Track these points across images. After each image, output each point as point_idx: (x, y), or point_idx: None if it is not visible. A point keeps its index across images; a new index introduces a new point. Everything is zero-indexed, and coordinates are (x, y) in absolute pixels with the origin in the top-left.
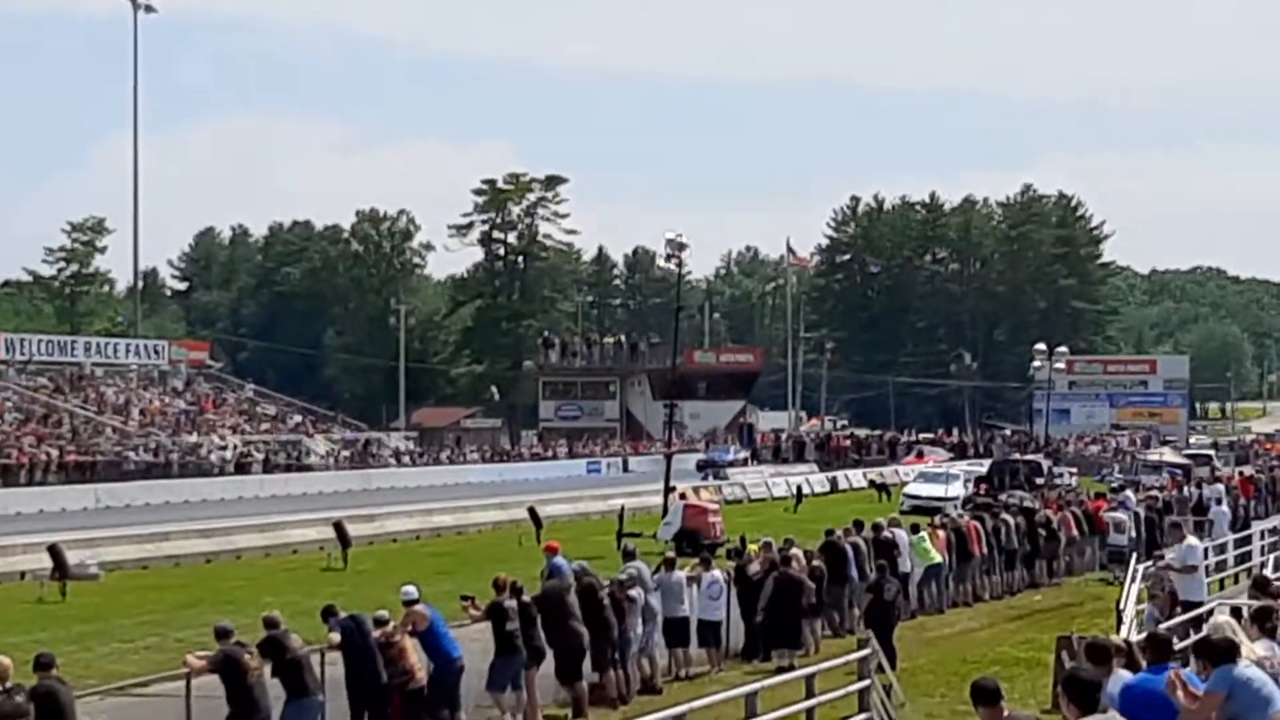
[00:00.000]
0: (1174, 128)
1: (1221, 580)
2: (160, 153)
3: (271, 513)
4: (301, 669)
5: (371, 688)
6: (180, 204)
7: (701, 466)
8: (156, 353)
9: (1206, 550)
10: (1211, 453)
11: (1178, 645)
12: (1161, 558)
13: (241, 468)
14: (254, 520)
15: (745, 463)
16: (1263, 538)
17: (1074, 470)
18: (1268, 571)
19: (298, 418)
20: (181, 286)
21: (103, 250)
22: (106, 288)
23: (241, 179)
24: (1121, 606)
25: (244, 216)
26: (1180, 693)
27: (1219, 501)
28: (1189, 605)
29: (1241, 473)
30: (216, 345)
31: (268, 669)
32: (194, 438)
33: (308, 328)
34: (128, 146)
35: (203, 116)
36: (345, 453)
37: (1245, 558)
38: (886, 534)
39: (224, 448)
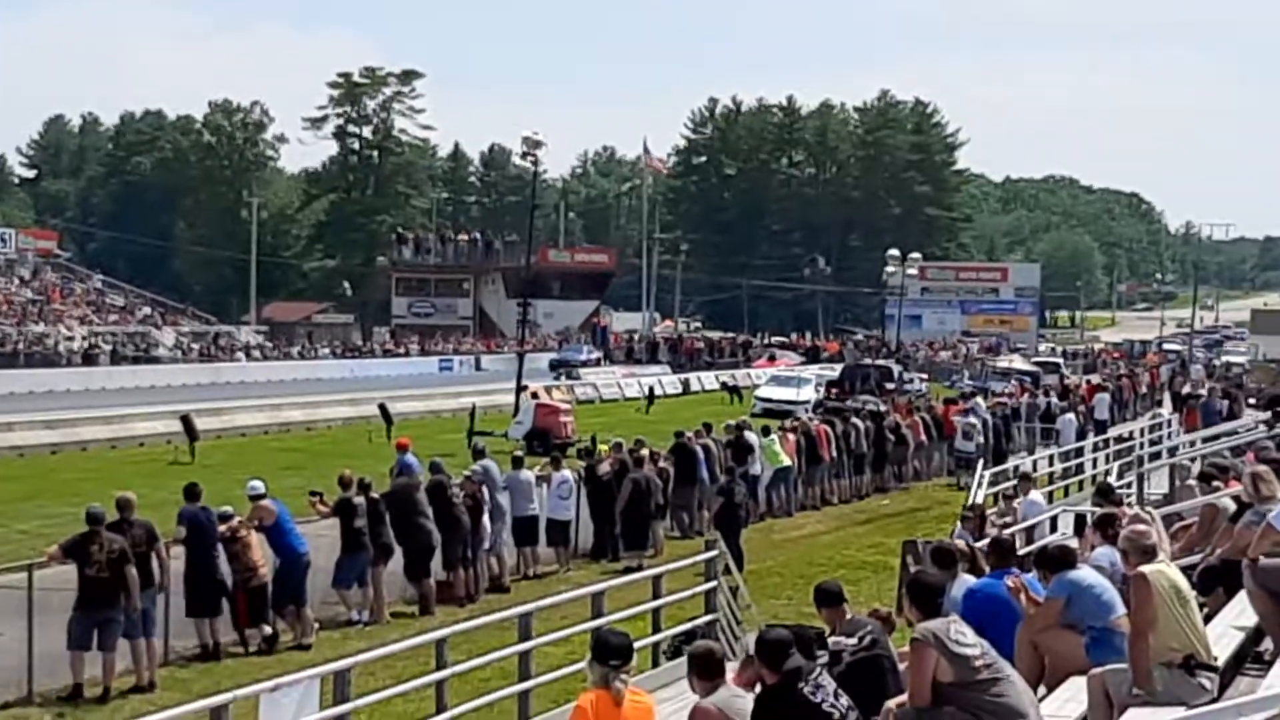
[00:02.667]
0: (1029, 33)
1: (1066, 488)
2: (7, 38)
3: (118, 405)
4: (136, 561)
5: (209, 582)
6: (29, 90)
7: (554, 366)
8: (3, 241)
9: (1053, 459)
10: (1060, 361)
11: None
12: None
13: (89, 359)
14: (100, 412)
15: (598, 363)
16: (1108, 445)
17: (924, 376)
18: (1112, 479)
19: (146, 309)
20: (30, 174)
21: None
22: None
23: (92, 66)
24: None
25: (95, 105)
26: (1022, 597)
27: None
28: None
29: (1090, 381)
30: (65, 235)
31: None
32: (41, 328)
33: (158, 219)
34: None
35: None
36: (194, 346)
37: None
38: (738, 436)
39: (71, 338)
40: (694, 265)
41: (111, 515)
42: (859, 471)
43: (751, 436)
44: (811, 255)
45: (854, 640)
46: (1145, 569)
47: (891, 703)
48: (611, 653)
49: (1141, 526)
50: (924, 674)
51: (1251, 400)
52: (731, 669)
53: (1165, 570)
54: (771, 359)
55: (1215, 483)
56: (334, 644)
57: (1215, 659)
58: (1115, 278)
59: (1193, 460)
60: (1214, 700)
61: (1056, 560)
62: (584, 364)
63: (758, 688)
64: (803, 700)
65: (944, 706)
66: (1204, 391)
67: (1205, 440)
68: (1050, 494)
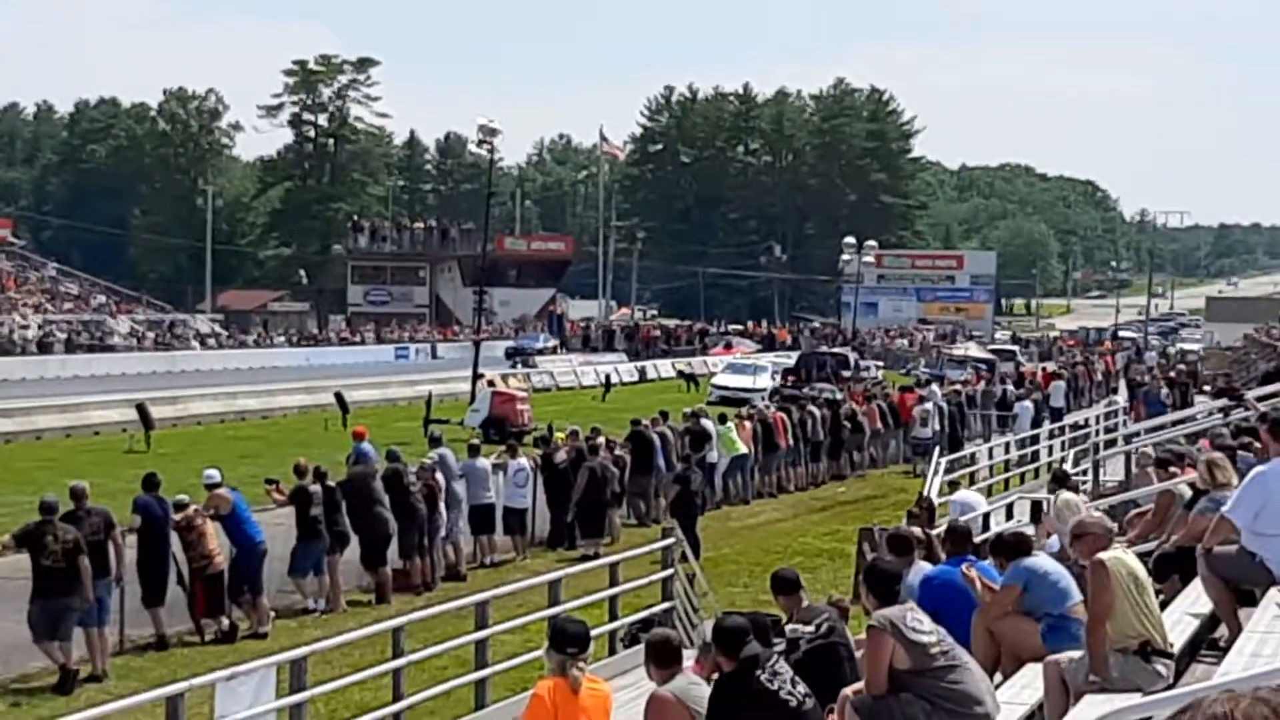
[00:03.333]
0: (984, 22)
1: (1023, 475)
2: None
3: (73, 393)
4: (92, 550)
5: (160, 572)
6: None
7: (510, 354)
8: None
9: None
10: (1016, 348)
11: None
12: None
13: (43, 347)
14: (56, 400)
15: (554, 351)
16: (1064, 432)
17: (880, 364)
18: (1068, 466)
19: (102, 298)
20: None
21: None
22: None
23: (47, 54)
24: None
25: (49, 93)
26: (978, 584)
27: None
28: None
29: (1045, 368)
30: (19, 223)
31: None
32: None
33: (113, 207)
34: None
35: None
36: (149, 334)
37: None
38: (694, 424)
39: (26, 327)
40: (650, 253)
41: (66, 505)
42: (815, 459)
43: (708, 424)
44: (767, 243)
45: (811, 628)
46: (1104, 555)
47: (848, 690)
48: (569, 641)
49: (1097, 514)
50: (880, 661)
51: (1206, 387)
52: (689, 657)
53: (1123, 557)
54: (728, 346)
55: (1172, 469)
56: (290, 632)
57: (1171, 645)
58: (1070, 265)
59: (1148, 448)
60: (1170, 686)
61: (1012, 547)
62: (540, 352)
63: (715, 675)
64: (760, 688)
65: (900, 694)
66: (1148, 380)
67: (1149, 430)
68: (1006, 481)
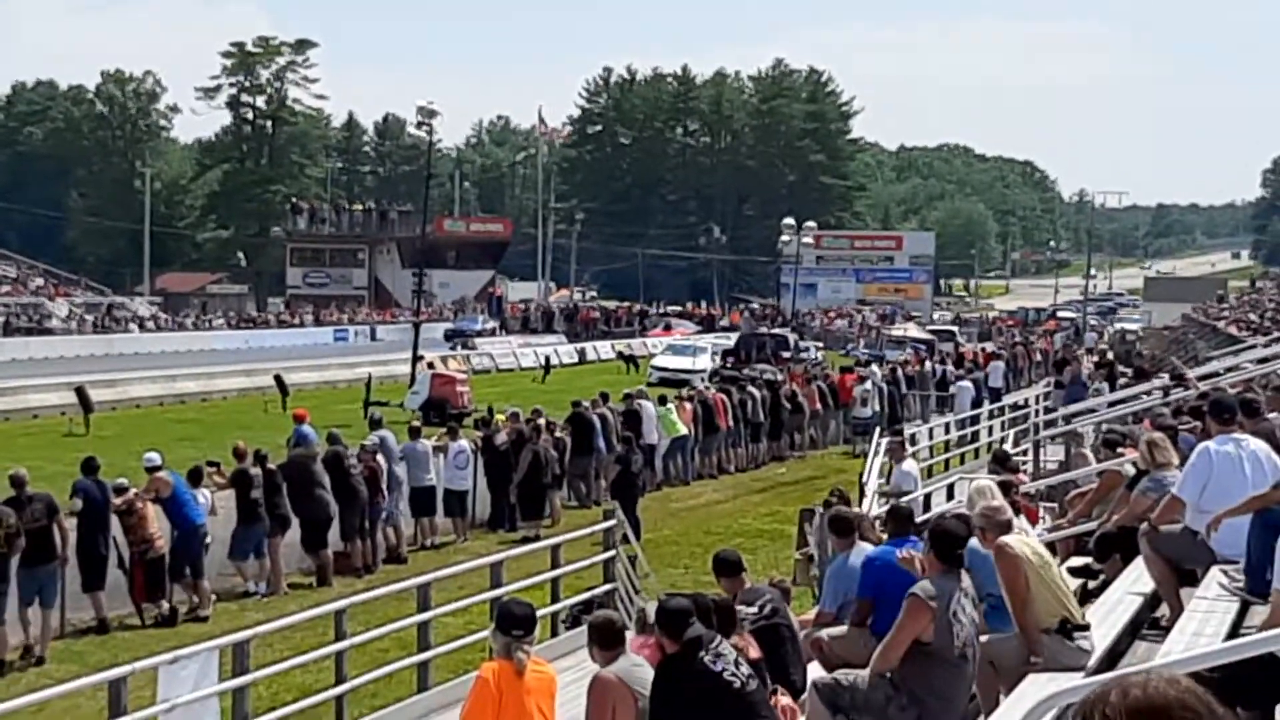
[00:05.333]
0: (923, 3)
1: (962, 455)
2: None
3: (11, 377)
4: (37, 536)
5: (100, 556)
6: None
7: (450, 336)
8: None
9: (950, 429)
10: (955, 329)
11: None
12: (900, 432)
13: None
14: None
15: (494, 333)
16: (1003, 413)
17: (820, 344)
18: (1008, 446)
19: (39, 280)
20: None
21: None
22: None
23: None
24: (864, 479)
25: None
26: (917, 565)
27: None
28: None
29: (984, 349)
30: None
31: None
32: None
33: (50, 189)
34: None
35: None
36: (88, 317)
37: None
38: (634, 405)
39: None
40: (589, 234)
41: (6, 493)
42: (755, 440)
43: (647, 405)
44: (707, 224)
45: (754, 609)
46: (1005, 539)
47: (824, 634)
48: (515, 623)
49: (996, 503)
50: (906, 636)
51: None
52: (630, 638)
53: (1025, 539)
54: (667, 328)
55: (1119, 450)
56: (231, 615)
57: (1085, 619)
58: (1009, 246)
59: (1086, 429)
60: (1108, 665)
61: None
62: (479, 334)
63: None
64: (703, 669)
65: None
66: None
67: (1088, 411)
68: (946, 461)
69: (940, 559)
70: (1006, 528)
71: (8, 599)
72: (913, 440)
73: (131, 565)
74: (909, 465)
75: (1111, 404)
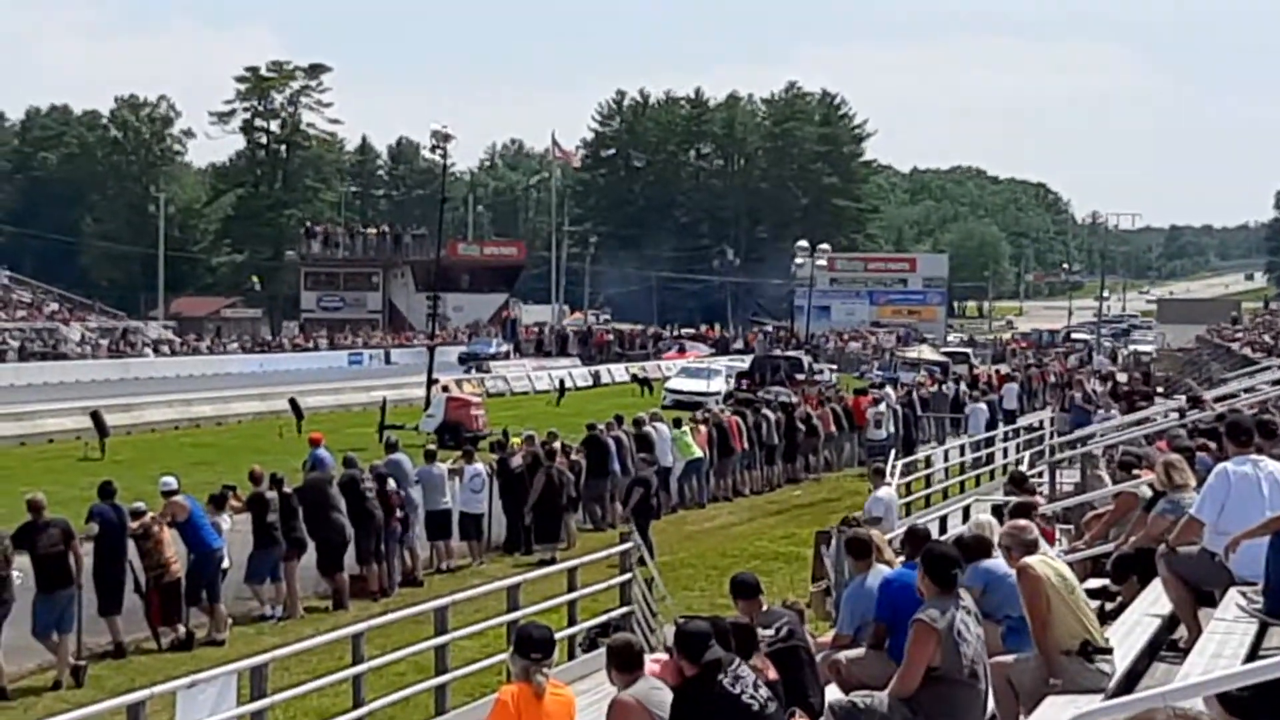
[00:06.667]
0: (936, 25)
1: (978, 477)
2: None
3: (27, 401)
4: (54, 561)
5: (117, 580)
6: None
7: (464, 359)
8: None
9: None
10: (969, 351)
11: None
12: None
13: None
14: (9, 409)
15: (508, 356)
16: (1017, 435)
17: (834, 367)
18: (1024, 468)
19: (54, 305)
20: None
21: None
22: None
23: None
24: None
25: None
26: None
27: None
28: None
29: (998, 371)
30: None
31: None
32: None
33: (65, 214)
34: None
35: None
36: (102, 341)
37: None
38: (648, 429)
39: None
40: (603, 257)
41: (23, 518)
42: (770, 462)
43: (662, 428)
44: (720, 247)
45: (771, 631)
46: (1028, 560)
47: (841, 656)
48: (533, 646)
49: (1021, 522)
50: (920, 662)
51: (1159, 389)
52: (649, 661)
53: (1048, 560)
54: (681, 350)
55: (1135, 471)
56: (248, 639)
57: (1108, 642)
58: (1022, 268)
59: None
60: (1126, 687)
61: (972, 549)
62: (493, 357)
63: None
64: (722, 692)
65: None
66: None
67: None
68: (962, 484)
69: (935, 583)
70: (1032, 548)
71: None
72: (927, 462)
73: (148, 589)
74: (884, 492)
75: (1118, 428)
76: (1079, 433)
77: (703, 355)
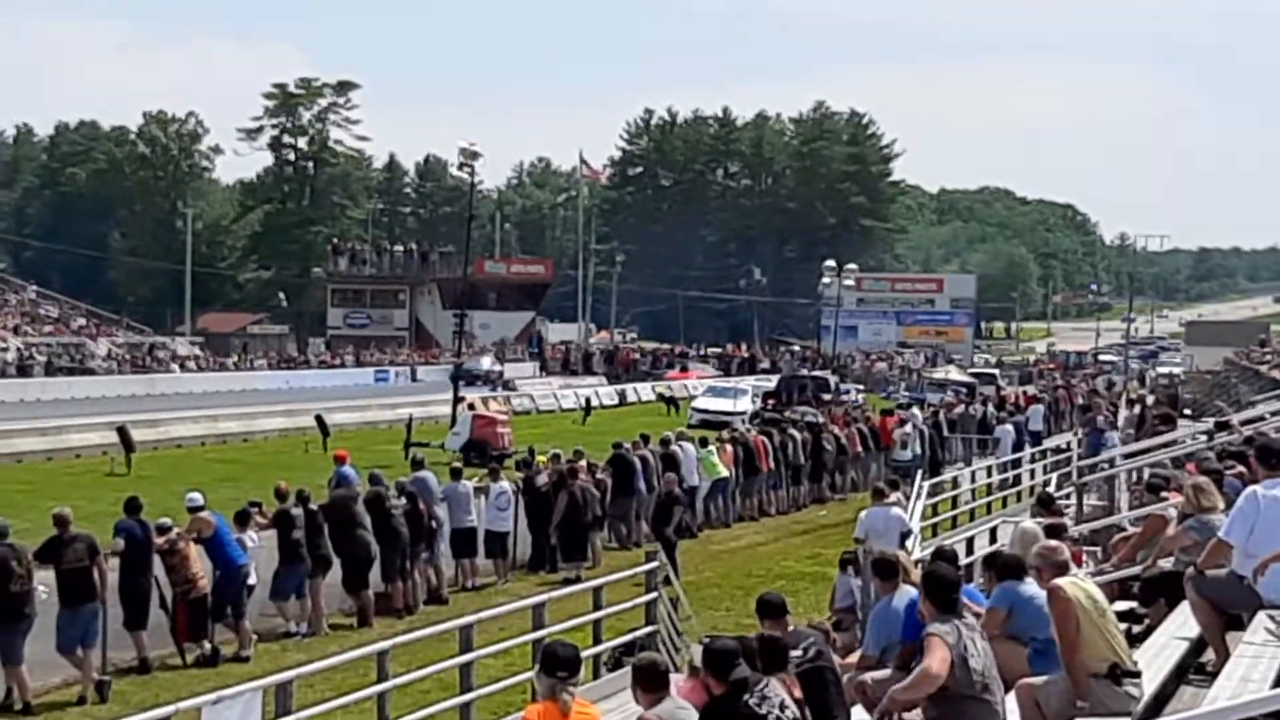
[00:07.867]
0: (964, 45)
1: (1005, 499)
2: None
3: (54, 416)
4: (78, 576)
5: (142, 596)
6: None
7: (455, 378)
8: None
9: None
10: (996, 372)
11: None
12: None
13: (23, 370)
14: (36, 424)
15: (499, 375)
16: (1045, 456)
17: (861, 387)
18: (1051, 489)
19: (81, 320)
20: None
21: None
22: None
23: (26, 78)
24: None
25: (29, 115)
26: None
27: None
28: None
29: (1025, 392)
30: None
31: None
32: None
33: (93, 229)
34: None
35: None
36: (129, 357)
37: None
38: (674, 448)
39: (5, 349)
40: (629, 276)
41: (49, 532)
42: (796, 482)
43: (688, 447)
44: (747, 266)
45: (799, 651)
46: (1059, 581)
47: (867, 677)
48: (560, 664)
49: (1053, 543)
50: (939, 668)
51: (1187, 411)
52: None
53: (1079, 582)
54: (684, 370)
55: (1163, 494)
56: (272, 656)
57: (1136, 664)
58: (1050, 289)
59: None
60: (1154, 711)
61: (1006, 568)
62: (485, 376)
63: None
64: (749, 711)
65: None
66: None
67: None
68: (989, 505)
69: (936, 605)
70: (1063, 569)
71: (23, 639)
72: (954, 483)
73: (174, 605)
74: (871, 511)
75: (1135, 453)
76: (1100, 457)
77: (706, 375)
